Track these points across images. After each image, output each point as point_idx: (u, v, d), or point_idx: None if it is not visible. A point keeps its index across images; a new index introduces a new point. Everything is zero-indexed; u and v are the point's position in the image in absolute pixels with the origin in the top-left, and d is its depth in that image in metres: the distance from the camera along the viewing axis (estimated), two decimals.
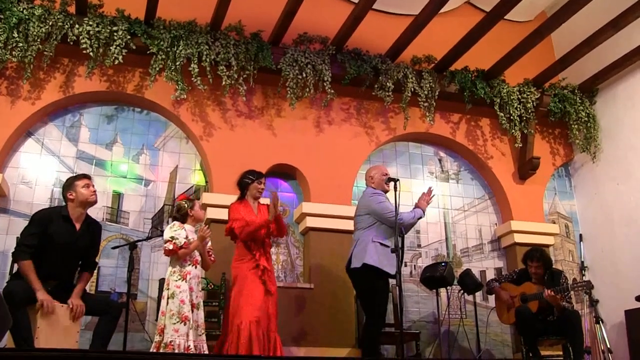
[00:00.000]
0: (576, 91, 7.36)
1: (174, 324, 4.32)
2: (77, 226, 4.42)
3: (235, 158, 6.11)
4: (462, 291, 6.16)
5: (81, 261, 4.50)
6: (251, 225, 4.81)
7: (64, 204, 4.51)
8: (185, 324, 4.34)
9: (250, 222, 4.85)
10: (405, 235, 6.71)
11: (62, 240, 4.29)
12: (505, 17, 6.46)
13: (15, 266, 4.38)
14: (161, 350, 4.24)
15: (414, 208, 5.20)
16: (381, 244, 4.96)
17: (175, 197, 6.24)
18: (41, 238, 4.22)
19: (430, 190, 5.29)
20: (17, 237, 4.35)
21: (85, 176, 4.56)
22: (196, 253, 4.64)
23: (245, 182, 5.11)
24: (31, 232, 4.24)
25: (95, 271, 5.73)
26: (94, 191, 4.52)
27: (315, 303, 6.06)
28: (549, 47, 7.85)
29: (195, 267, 4.62)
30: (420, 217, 5.17)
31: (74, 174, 4.79)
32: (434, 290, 6.20)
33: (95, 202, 4.57)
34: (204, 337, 4.51)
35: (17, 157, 5.93)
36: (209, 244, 4.86)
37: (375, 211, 5.06)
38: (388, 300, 5.15)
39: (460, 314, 6.62)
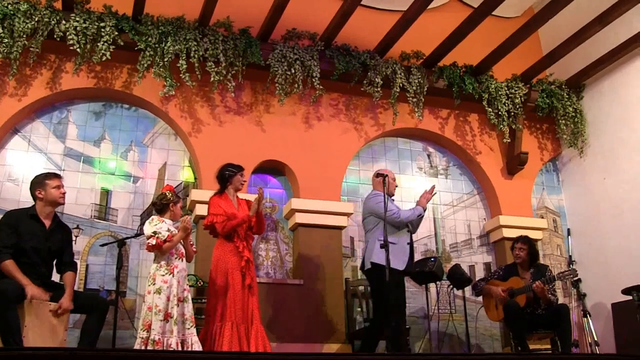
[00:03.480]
0: (563, 86, 7.41)
1: (160, 320, 4.28)
2: (47, 224, 4.37)
3: (224, 154, 6.07)
4: (451, 286, 6.19)
5: (57, 260, 4.44)
6: (233, 221, 4.84)
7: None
8: (167, 321, 4.31)
9: (231, 215, 4.86)
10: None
11: (33, 238, 4.24)
12: (493, 13, 6.49)
13: None
14: (149, 347, 4.21)
15: (415, 206, 5.32)
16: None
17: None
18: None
19: (432, 189, 5.37)
20: None
21: (57, 176, 4.49)
22: (180, 246, 4.59)
23: (229, 174, 5.08)
24: (5, 233, 4.19)
25: (84, 269, 5.74)
26: (64, 193, 4.46)
27: (304, 299, 6.07)
28: (537, 43, 7.90)
29: (182, 261, 4.55)
30: (421, 215, 5.22)
31: (48, 172, 4.64)
32: (424, 286, 6.24)
33: (63, 204, 4.53)
34: (192, 330, 4.44)
35: (3, 154, 5.89)
36: (191, 236, 4.80)
37: (375, 211, 5.17)
38: (402, 296, 5.15)
39: (450, 309, 6.65)
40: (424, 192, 5.34)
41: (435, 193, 5.45)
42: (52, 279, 4.43)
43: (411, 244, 5.07)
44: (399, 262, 5.02)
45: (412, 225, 5.15)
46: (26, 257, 4.19)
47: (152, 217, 4.60)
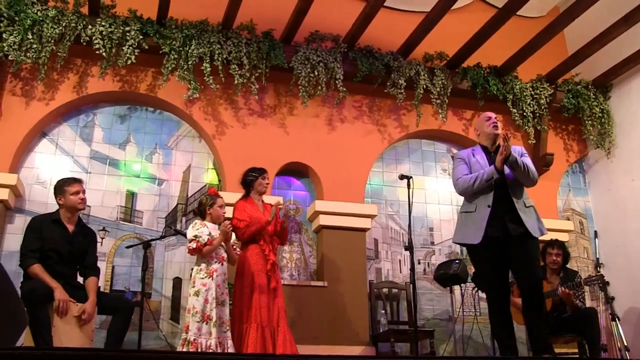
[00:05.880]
0: (590, 87, 7.30)
1: (197, 322, 4.36)
2: (70, 228, 4.42)
3: (247, 156, 6.11)
4: (475, 288, 6.13)
5: (80, 265, 4.47)
6: (252, 227, 4.89)
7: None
8: (207, 323, 4.38)
9: (256, 219, 4.92)
10: (418, 233, 6.79)
11: (57, 242, 4.30)
12: (517, 13, 6.42)
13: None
14: (185, 347, 4.30)
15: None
16: (465, 212, 4.32)
17: (189, 195, 6.27)
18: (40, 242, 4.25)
19: (504, 138, 4.10)
20: (19, 250, 4.31)
21: (77, 181, 4.51)
22: (222, 250, 4.66)
23: (250, 179, 5.18)
24: (31, 238, 4.25)
25: (110, 270, 5.81)
26: (83, 199, 4.47)
27: (328, 301, 6.06)
28: (562, 43, 7.79)
29: (222, 264, 4.63)
30: (491, 178, 4.11)
31: (68, 177, 4.67)
32: (448, 288, 6.18)
33: (82, 209, 4.57)
34: (228, 333, 4.52)
35: (32, 158, 5.98)
36: (233, 238, 4.87)
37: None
38: (482, 269, 4.30)
39: (475, 312, 6.58)
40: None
41: (508, 139, 4.10)
42: (78, 280, 4.49)
43: (496, 206, 4.07)
44: (473, 235, 4.14)
45: (510, 183, 4.14)
46: (50, 261, 4.25)
47: (195, 221, 4.72)
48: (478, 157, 4.35)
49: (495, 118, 4.43)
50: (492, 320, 4.35)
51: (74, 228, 4.46)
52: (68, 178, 4.59)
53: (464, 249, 6.89)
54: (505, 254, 4.13)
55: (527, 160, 4.22)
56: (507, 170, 4.14)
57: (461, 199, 7.03)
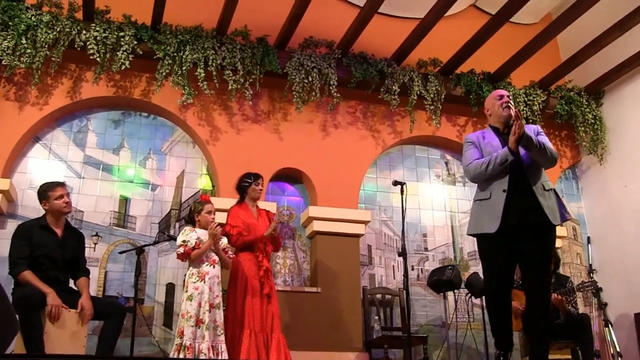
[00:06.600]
0: (582, 93, 7.34)
1: (192, 326, 4.36)
2: (58, 232, 4.40)
3: (241, 162, 6.11)
4: (469, 295, 6.14)
5: (72, 267, 4.46)
6: (246, 237, 4.92)
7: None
8: (199, 327, 4.37)
9: (251, 225, 4.95)
10: (412, 239, 6.79)
11: (47, 248, 4.28)
12: (510, 20, 6.45)
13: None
14: (181, 353, 4.29)
15: None
16: (479, 200, 3.95)
17: (183, 201, 6.27)
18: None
19: (517, 115, 3.76)
20: (8, 257, 4.26)
21: (60, 185, 4.48)
22: (212, 253, 4.66)
23: (244, 186, 5.19)
24: (20, 245, 4.22)
25: (103, 276, 5.78)
26: (68, 202, 4.44)
27: (322, 307, 6.05)
28: (555, 49, 7.84)
29: (214, 267, 4.62)
30: (505, 161, 3.75)
31: (51, 181, 4.60)
32: (441, 294, 6.19)
33: (69, 212, 4.53)
34: (222, 337, 4.51)
35: (25, 162, 5.96)
36: (225, 241, 4.84)
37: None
38: (493, 261, 3.90)
39: (468, 318, 6.59)
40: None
41: (521, 116, 3.75)
42: (70, 285, 4.47)
43: (512, 191, 3.74)
44: (489, 224, 3.77)
45: (528, 166, 3.80)
46: (43, 267, 4.23)
47: (185, 228, 4.75)
48: (489, 139, 3.98)
49: (508, 97, 4.02)
50: (491, 316, 4.01)
51: (62, 232, 4.44)
52: (51, 182, 4.54)
53: (458, 255, 6.93)
54: (519, 246, 3.80)
55: (544, 139, 3.88)
56: (522, 151, 3.79)
57: (455, 204, 7.12)
